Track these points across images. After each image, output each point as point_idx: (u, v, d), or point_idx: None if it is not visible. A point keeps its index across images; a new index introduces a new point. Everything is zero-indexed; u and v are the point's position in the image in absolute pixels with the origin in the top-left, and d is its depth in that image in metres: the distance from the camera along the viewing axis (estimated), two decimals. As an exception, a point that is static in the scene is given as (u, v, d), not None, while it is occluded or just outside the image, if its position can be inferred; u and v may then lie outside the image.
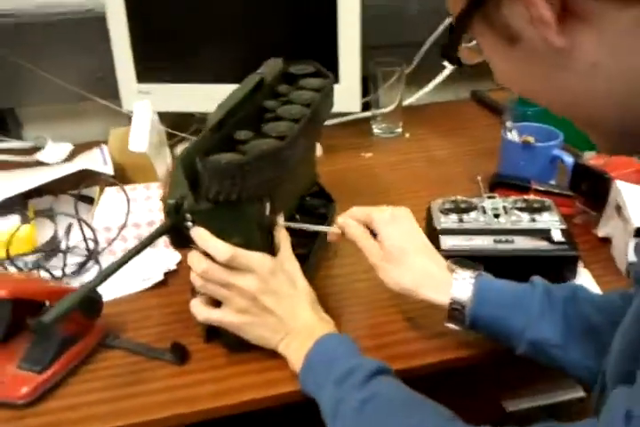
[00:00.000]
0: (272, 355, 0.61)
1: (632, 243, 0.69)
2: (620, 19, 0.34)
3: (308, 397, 0.54)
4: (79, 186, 0.80)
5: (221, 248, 0.56)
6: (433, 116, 1.19)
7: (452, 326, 0.59)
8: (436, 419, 0.47)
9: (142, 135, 0.77)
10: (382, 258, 0.59)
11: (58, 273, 0.73)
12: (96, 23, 0.97)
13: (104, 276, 0.58)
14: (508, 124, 0.88)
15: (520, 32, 0.38)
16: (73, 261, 0.75)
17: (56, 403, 0.58)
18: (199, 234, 0.57)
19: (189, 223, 0.58)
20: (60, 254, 0.75)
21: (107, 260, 0.74)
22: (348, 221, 0.62)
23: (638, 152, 0.61)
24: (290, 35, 0.98)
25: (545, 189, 0.83)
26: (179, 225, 0.61)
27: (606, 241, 0.77)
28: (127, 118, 0.94)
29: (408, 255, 0.59)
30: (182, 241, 0.64)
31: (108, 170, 0.81)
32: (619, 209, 0.74)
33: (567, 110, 0.41)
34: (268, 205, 0.61)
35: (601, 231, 0.78)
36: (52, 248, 0.77)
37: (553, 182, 0.88)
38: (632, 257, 0.69)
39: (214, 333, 0.64)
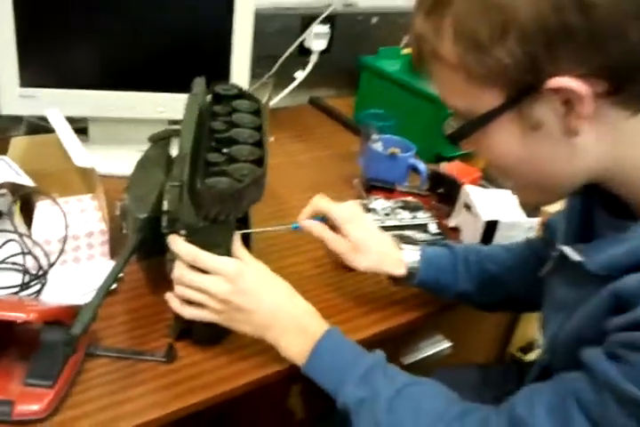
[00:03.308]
0: (240, 347, 0.72)
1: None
2: (627, 122, 0.49)
3: (304, 376, 0.66)
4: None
5: (188, 250, 0.65)
6: (284, 121, 1.34)
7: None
8: (448, 407, 0.59)
9: (80, 149, 0.79)
10: (348, 248, 0.75)
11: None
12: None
13: (106, 287, 0.63)
14: (374, 137, 1.08)
15: (544, 122, 0.49)
16: (8, 276, 0.76)
17: (66, 414, 0.62)
18: (176, 244, 0.65)
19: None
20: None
21: (56, 272, 0.76)
22: (311, 222, 0.76)
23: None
24: (182, 45, 1.03)
25: (407, 190, 1.05)
26: (148, 237, 0.69)
27: (455, 230, 1.02)
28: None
29: (369, 243, 0.75)
30: (149, 252, 0.71)
31: (27, 181, 0.81)
32: (467, 206, 0.98)
33: (536, 179, 0.54)
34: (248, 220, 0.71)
35: (451, 222, 1.02)
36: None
37: (407, 184, 1.10)
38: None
39: (185, 331, 0.73)
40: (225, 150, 0.72)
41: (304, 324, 0.67)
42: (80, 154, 0.78)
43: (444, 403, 0.60)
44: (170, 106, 1.05)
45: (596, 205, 0.59)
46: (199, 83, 0.83)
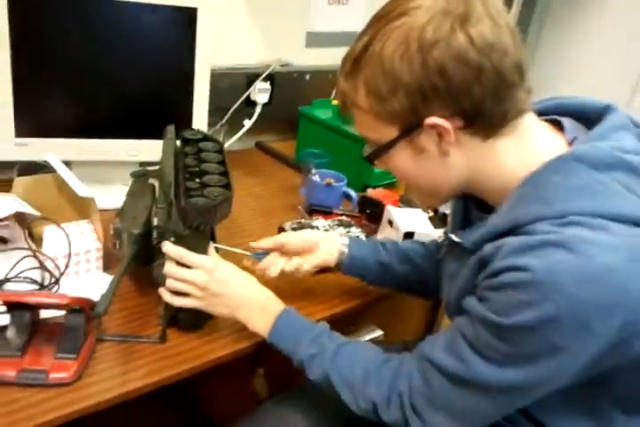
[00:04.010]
0: (215, 331, 0.93)
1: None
2: (479, 144, 0.70)
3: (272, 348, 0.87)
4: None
5: (176, 250, 0.85)
6: (236, 162, 1.56)
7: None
8: (376, 357, 0.81)
9: (79, 183, 0.99)
10: (294, 262, 0.98)
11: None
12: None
13: (117, 280, 0.83)
14: (313, 171, 1.32)
15: (426, 147, 0.70)
16: (23, 286, 0.94)
17: (87, 380, 0.80)
18: (167, 246, 0.86)
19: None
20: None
21: (66, 281, 0.95)
22: (263, 263, 0.99)
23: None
24: (151, 100, 1.26)
25: (342, 212, 1.29)
26: (142, 248, 0.90)
27: (382, 242, 1.26)
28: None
29: (317, 252, 0.99)
30: (145, 260, 0.92)
31: (33, 211, 1.00)
32: (390, 222, 1.23)
33: (426, 188, 0.76)
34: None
35: (378, 236, 1.26)
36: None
37: (341, 207, 1.34)
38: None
39: (172, 320, 0.92)
40: (197, 180, 0.94)
41: (266, 304, 0.88)
42: (81, 187, 0.98)
43: (372, 354, 0.82)
44: (141, 150, 1.27)
45: (471, 205, 0.83)
46: (170, 130, 1.06)
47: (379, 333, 1.18)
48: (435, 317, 1.41)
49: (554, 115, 0.76)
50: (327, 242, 1.01)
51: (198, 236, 0.88)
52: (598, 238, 0.61)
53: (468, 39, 0.65)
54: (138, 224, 0.93)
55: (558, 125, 0.75)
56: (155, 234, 0.89)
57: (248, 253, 1.01)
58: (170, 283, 0.87)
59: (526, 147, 0.72)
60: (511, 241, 0.65)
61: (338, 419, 0.89)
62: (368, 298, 1.08)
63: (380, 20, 0.68)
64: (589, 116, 0.74)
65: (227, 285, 0.87)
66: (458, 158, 0.72)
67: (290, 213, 1.32)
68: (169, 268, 0.86)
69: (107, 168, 1.29)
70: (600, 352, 0.63)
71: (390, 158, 0.75)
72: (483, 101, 0.67)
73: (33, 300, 0.80)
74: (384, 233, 1.25)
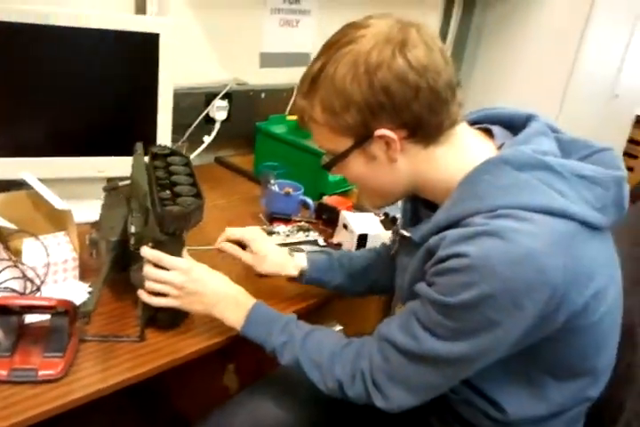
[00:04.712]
0: (190, 329, 1.00)
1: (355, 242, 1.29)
2: (421, 151, 0.80)
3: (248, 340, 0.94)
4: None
5: (154, 254, 0.93)
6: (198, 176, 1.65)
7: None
8: (339, 341, 0.91)
9: (55, 197, 1.06)
10: (255, 259, 1.06)
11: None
12: None
13: (101, 283, 0.91)
14: (272, 181, 1.42)
15: (377, 155, 0.80)
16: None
17: (73, 377, 0.87)
18: (145, 250, 0.94)
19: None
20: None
21: (45, 289, 1.02)
22: (227, 244, 1.07)
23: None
24: (116, 119, 1.33)
25: (300, 218, 1.39)
26: (119, 255, 0.97)
27: (338, 244, 1.36)
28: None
29: (269, 254, 1.08)
30: (122, 266, 1.00)
31: (10, 225, 1.07)
32: (345, 226, 1.33)
33: (378, 190, 0.87)
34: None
35: (335, 239, 1.36)
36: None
37: (299, 214, 1.44)
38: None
39: (151, 320, 1.00)
40: (168, 191, 1.02)
41: (239, 299, 0.97)
42: (57, 201, 1.05)
43: (337, 338, 0.92)
44: (109, 166, 1.35)
45: (419, 205, 0.94)
46: (140, 146, 1.14)
47: (339, 328, 1.28)
48: (388, 313, 1.52)
49: (486, 123, 0.88)
50: (281, 262, 1.10)
51: (174, 241, 0.96)
52: (523, 228, 0.72)
53: (407, 62, 0.76)
54: (115, 233, 1.00)
55: (489, 132, 0.87)
56: (132, 240, 0.97)
57: (211, 247, 1.11)
58: (149, 284, 0.95)
59: (461, 152, 0.83)
60: (452, 233, 0.76)
61: (307, 403, 0.98)
62: (327, 294, 1.18)
63: (331, 47, 0.79)
64: (515, 124, 0.86)
65: (202, 284, 0.95)
66: (404, 164, 0.83)
67: (252, 221, 1.41)
68: (148, 270, 0.94)
69: (77, 184, 1.35)
70: (530, 325, 0.73)
71: (345, 166, 0.86)
72: (421, 115, 0.78)
73: (25, 302, 0.87)
74: (339, 236, 1.35)
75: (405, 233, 0.90)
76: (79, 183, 1.35)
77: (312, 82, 0.81)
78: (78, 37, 1.23)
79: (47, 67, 1.23)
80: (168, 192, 1.00)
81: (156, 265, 0.94)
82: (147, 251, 0.94)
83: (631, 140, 3.06)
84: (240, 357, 1.11)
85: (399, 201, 0.99)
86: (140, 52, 1.30)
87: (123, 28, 1.25)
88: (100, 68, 1.28)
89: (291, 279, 1.12)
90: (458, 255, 0.73)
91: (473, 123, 0.88)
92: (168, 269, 0.94)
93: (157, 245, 0.95)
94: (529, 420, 0.86)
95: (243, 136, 1.82)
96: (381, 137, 0.79)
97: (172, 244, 0.96)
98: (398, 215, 1.41)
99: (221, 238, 1.10)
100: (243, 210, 1.49)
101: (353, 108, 0.78)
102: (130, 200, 1.07)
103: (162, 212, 0.93)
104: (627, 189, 0.79)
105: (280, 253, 1.10)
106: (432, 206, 0.88)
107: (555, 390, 0.85)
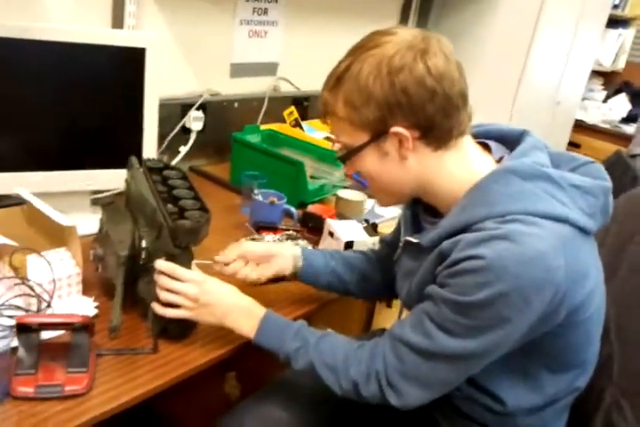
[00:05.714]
0: (200, 339, 1.04)
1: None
2: (430, 154, 0.86)
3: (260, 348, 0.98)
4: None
5: (169, 266, 0.97)
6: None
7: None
8: (351, 344, 0.95)
9: (56, 212, 1.07)
10: (258, 270, 1.11)
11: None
12: None
13: (120, 296, 0.93)
14: (256, 191, 1.46)
15: (389, 151, 0.86)
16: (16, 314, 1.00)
17: (97, 390, 0.89)
18: (159, 263, 0.97)
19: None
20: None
21: (56, 304, 1.03)
22: (231, 267, 1.12)
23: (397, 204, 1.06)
24: (102, 134, 1.34)
25: (286, 227, 1.44)
26: (129, 269, 1.00)
27: (324, 252, 1.41)
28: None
29: (276, 261, 1.13)
30: (130, 280, 1.02)
31: (11, 242, 1.07)
32: (331, 234, 1.39)
33: (387, 187, 0.91)
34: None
35: (321, 247, 1.42)
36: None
37: (283, 223, 1.49)
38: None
39: (162, 331, 1.02)
40: (171, 205, 1.04)
41: (250, 310, 1.01)
42: (60, 216, 1.06)
43: (348, 341, 0.97)
44: (97, 179, 1.35)
45: (421, 211, 1.01)
46: (134, 160, 1.16)
47: (328, 330, 1.33)
48: (371, 318, 1.59)
49: (481, 138, 0.96)
50: (283, 253, 1.16)
51: (185, 254, 0.99)
52: (532, 231, 0.80)
53: (427, 68, 0.83)
54: (125, 247, 1.02)
55: (486, 146, 0.94)
56: (143, 255, 0.99)
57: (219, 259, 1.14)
58: (165, 295, 0.97)
59: (466, 162, 0.90)
60: (466, 237, 0.83)
61: (314, 405, 1.04)
62: (319, 303, 1.24)
63: (358, 50, 0.86)
64: (508, 139, 0.95)
65: (215, 295, 0.99)
66: (413, 163, 0.89)
67: (238, 231, 1.45)
68: (163, 280, 0.97)
69: (61, 198, 1.35)
70: (536, 321, 0.81)
71: (359, 159, 0.91)
72: (434, 117, 0.85)
73: (48, 320, 0.88)
74: (325, 244, 1.41)
75: (412, 239, 0.96)
76: (63, 197, 1.35)
77: (338, 79, 0.87)
78: (64, 52, 1.23)
79: (35, 81, 1.23)
80: (171, 206, 1.03)
81: (170, 277, 0.97)
82: (162, 263, 0.97)
83: (571, 143, 3.28)
84: (241, 364, 1.15)
85: (387, 208, 1.05)
86: (127, 66, 1.31)
87: (111, 43, 1.27)
88: (86, 81, 1.28)
89: (293, 277, 1.17)
90: (473, 257, 0.79)
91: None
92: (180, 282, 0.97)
93: (170, 259, 0.98)
94: (526, 410, 0.94)
95: (216, 145, 1.84)
96: (396, 134, 0.85)
97: (184, 257, 0.99)
98: (378, 221, 1.48)
99: (233, 253, 1.14)
100: (224, 219, 1.52)
101: (373, 104, 0.84)
102: (134, 214, 1.09)
103: (174, 226, 0.96)
104: (611, 198, 0.89)
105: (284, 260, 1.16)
106: (433, 213, 0.95)
107: (549, 382, 0.93)
